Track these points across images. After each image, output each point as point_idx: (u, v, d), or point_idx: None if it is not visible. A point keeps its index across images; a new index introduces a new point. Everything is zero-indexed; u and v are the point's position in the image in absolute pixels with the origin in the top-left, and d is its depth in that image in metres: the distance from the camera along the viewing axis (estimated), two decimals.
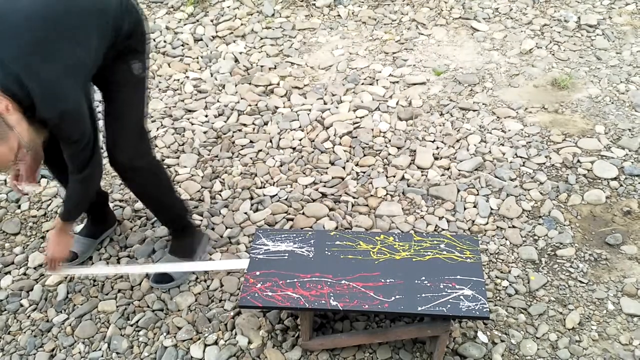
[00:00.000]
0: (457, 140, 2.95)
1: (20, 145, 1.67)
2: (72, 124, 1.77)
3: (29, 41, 1.63)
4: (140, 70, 2.03)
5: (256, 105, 3.22)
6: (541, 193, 2.68)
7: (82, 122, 1.80)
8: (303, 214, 2.61)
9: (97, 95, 2.02)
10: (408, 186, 2.73)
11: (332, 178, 2.78)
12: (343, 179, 2.79)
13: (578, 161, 2.82)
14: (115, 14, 1.85)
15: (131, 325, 2.24)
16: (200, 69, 3.52)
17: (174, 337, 2.19)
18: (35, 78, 1.63)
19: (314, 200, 2.68)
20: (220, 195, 2.73)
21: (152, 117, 3.16)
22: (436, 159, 2.87)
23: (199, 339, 2.18)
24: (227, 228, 2.58)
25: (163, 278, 2.33)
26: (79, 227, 2.53)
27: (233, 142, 3.00)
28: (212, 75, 3.46)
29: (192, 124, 3.12)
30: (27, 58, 1.62)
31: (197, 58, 3.59)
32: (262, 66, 3.51)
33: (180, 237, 2.40)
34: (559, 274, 2.38)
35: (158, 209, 2.34)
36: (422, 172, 2.81)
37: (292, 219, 2.59)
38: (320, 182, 2.77)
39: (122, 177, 2.20)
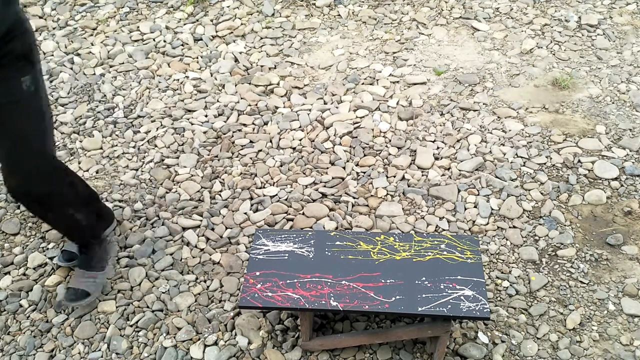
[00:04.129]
0: (458, 140, 2.95)
1: None
2: None
3: None
4: (30, 85, 1.81)
5: (256, 105, 3.21)
6: (542, 193, 2.68)
7: None
8: (303, 214, 2.61)
9: None
10: (408, 186, 2.73)
11: (332, 178, 2.78)
12: (343, 179, 2.78)
13: (579, 161, 2.82)
14: None
15: (131, 326, 2.23)
16: (200, 69, 3.51)
17: (174, 337, 2.19)
18: None
19: (314, 201, 2.67)
20: (220, 195, 2.73)
21: (151, 117, 3.15)
22: (436, 159, 2.86)
23: (199, 339, 2.18)
24: (227, 228, 2.58)
25: (77, 295, 2.23)
26: None
27: (233, 142, 3.00)
28: (211, 75, 3.45)
29: (192, 124, 3.11)
30: None
31: (197, 58, 3.59)
32: (262, 66, 3.50)
33: (91, 249, 2.30)
34: (559, 274, 2.37)
35: (68, 230, 2.24)
36: (422, 172, 2.80)
37: (292, 219, 2.59)
38: (320, 182, 2.76)
39: (25, 206, 2.15)
